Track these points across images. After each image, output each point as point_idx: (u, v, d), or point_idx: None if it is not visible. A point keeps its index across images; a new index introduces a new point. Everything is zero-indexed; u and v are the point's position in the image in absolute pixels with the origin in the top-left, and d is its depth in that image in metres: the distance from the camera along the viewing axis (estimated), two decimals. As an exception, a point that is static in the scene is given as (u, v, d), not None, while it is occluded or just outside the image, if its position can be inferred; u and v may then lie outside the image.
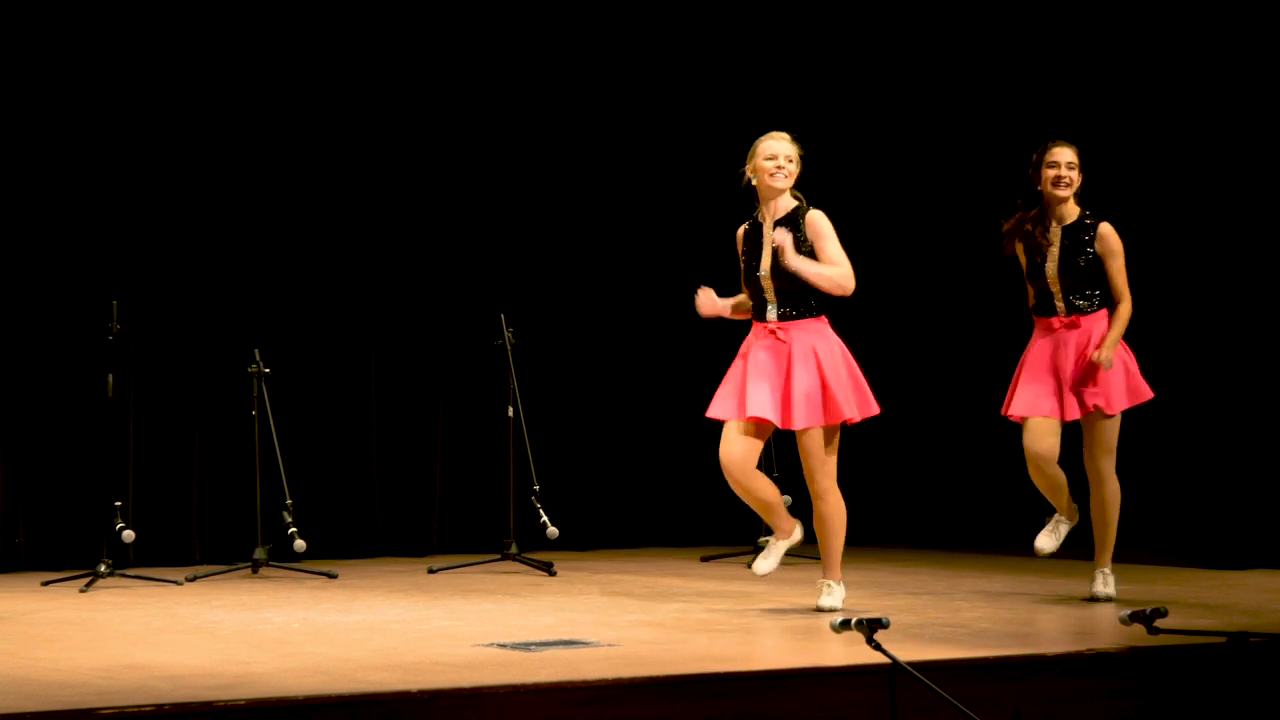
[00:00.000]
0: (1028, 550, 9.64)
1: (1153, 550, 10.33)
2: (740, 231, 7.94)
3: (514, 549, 9.88)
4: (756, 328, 7.83)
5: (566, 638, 7.08)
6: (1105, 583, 8.39)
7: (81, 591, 8.86)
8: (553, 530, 9.58)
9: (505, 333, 10.01)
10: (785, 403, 7.68)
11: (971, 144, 11.36)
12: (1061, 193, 8.29)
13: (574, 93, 11.16)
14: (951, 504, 11.41)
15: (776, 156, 7.77)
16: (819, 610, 7.77)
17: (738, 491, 7.81)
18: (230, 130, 10.30)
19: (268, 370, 9.65)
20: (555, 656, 6.64)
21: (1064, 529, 8.50)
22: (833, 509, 7.81)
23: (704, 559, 10.44)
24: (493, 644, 6.94)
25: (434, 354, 10.83)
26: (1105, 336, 8.25)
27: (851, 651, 6.26)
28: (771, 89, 11.51)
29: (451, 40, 10.82)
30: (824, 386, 7.69)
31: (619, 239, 11.25)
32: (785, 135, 7.83)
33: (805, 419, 7.69)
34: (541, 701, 5.81)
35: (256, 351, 9.68)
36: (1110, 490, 8.37)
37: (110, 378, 9.29)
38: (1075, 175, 8.29)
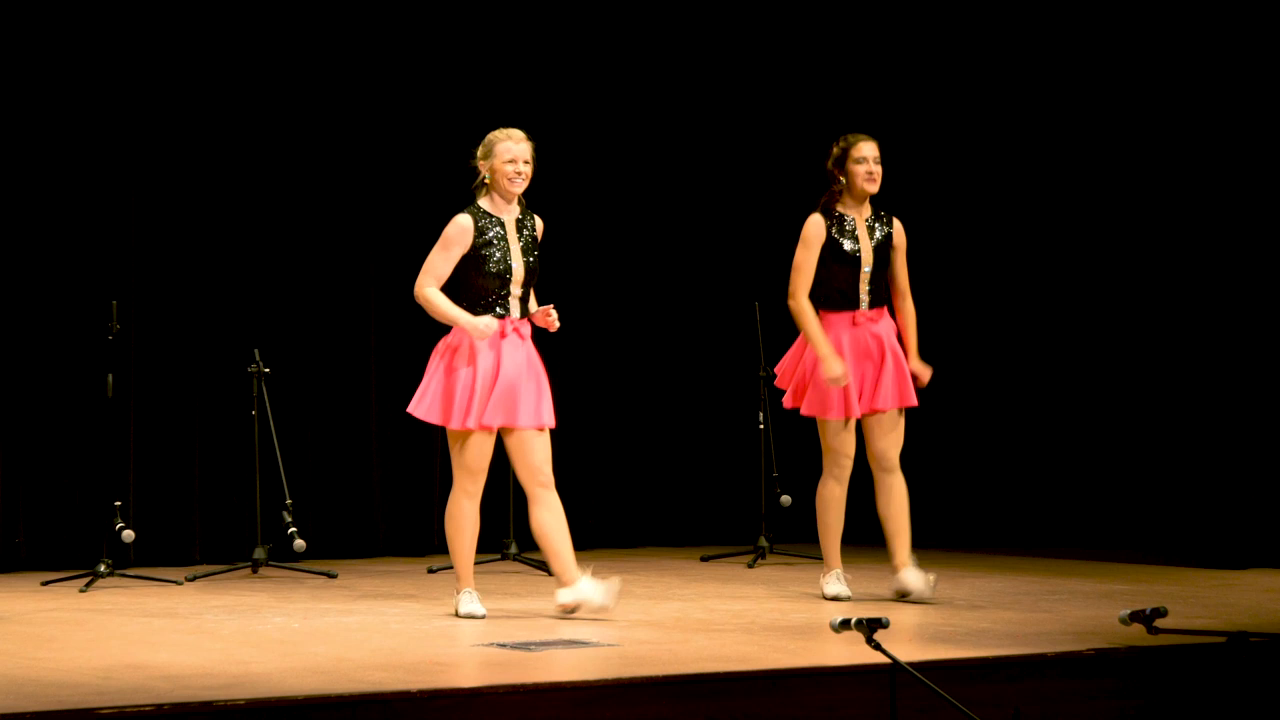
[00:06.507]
0: (1027, 550, 9.71)
1: (1152, 550, 10.34)
2: (469, 222, 7.74)
3: (514, 549, 9.89)
4: (494, 323, 7.69)
5: (566, 638, 7.08)
6: (926, 580, 8.32)
7: (81, 591, 8.86)
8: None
9: (505, 333, 10.00)
10: (537, 401, 7.74)
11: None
12: (872, 187, 8.26)
13: (574, 91, 11.16)
14: (950, 504, 11.41)
15: (516, 160, 7.75)
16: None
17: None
18: (230, 130, 10.30)
19: (268, 370, 9.64)
20: (555, 656, 6.64)
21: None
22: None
23: (704, 559, 10.44)
24: (493, 644, 6.94)
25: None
26: (909, 340, 8.38)
27: (851, 651, 6.26)
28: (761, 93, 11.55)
29: (452, 39, 10.82)
30: (547, 390, 7.82)
31: (616, 239, 11.25)
32: (524, 136, 7.79)
33: (549, 418, 7.75)
34: (541, 701, 5.81)
35: (256, 351, 9.68)
36: (902, 481, 8.38)
37: (110, 378, 9.29)
38: (880, 169, 8.28)
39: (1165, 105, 10.51)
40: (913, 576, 8.31)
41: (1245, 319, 10.09)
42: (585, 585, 7.64)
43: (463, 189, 10.90)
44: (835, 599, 8.32)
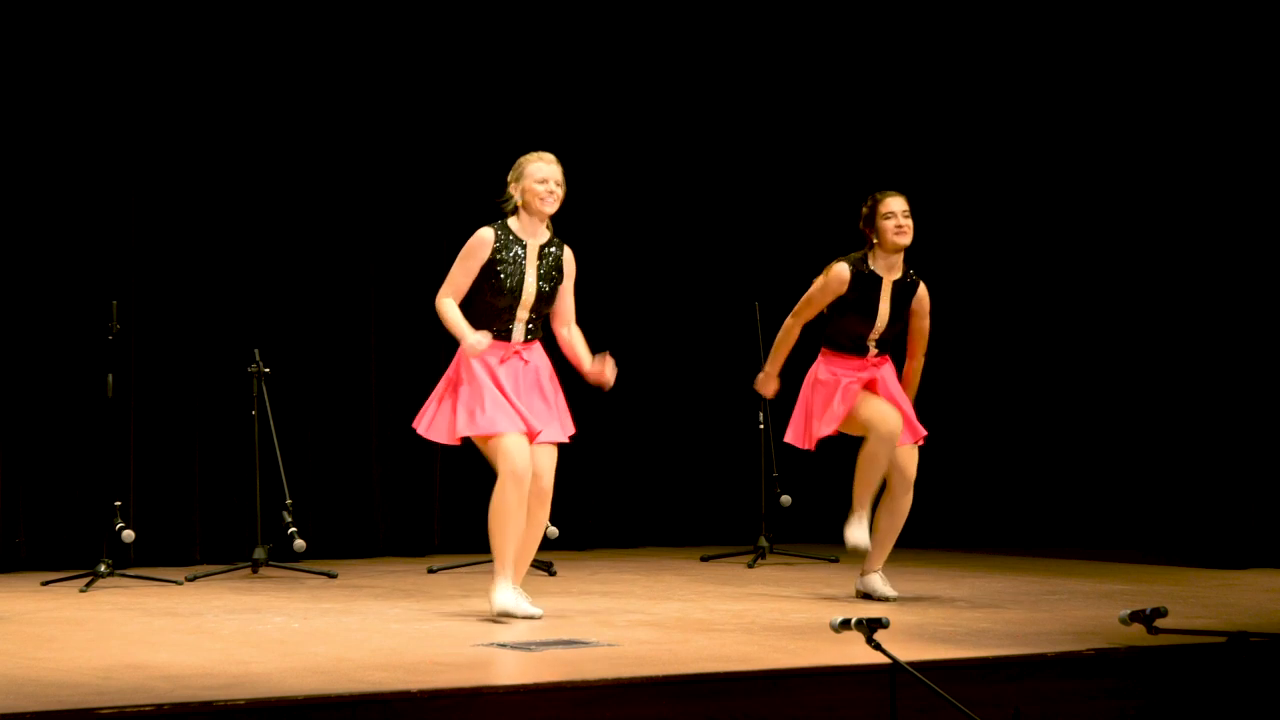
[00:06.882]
0: (1027, 550, 9.68)
1: (1152, 550, 10.35)
2: (489, 235, 7.62)
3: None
4: (495, 345, 7.58)
5: (566, 638, 7.08)
6: (887, 583, 8.45)
7: (81, 591, 8.86)
8: (552, 530, 9.54)
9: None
10: (548, 417, 7.69)
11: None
12: (904, 240, 8.26)
13: (572, 91, 11.16)
14: (950, 504, 11.41)
15: (548, 181, 7.61)
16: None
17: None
18: (230, 131, 10.30)
19: (268, 370, 9.65)
20: (555, 656, 6.64)
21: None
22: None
23: (704, 559, 10.44)
24: (493, 644, 6.94)
25: (434, 354, 10.81)
26: (910, 383, 8.45)
27: (851, 651, 6.26)
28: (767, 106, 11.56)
29: (452, 40, 10.82)
30: (562, 405, 7.78)
31: (617, 240, 11.26)
32: (554, 159, 7.67)
33: (564, 433, 7.73)
34: (541, 701, 5.81)
35: (256, 351, 9.68)
36: (909, 502, 8.42)
37: (110, 378, 9.29)
38: (911, 223, 8.28)
39: (1155, 113, 10.53)
40: (881, 582, 8.43)
41: (1244, 320, 10.10)
42: (518, 597, 7.69)
43: (463, 189, 10.97)
44: (855, 549, 8.34)
